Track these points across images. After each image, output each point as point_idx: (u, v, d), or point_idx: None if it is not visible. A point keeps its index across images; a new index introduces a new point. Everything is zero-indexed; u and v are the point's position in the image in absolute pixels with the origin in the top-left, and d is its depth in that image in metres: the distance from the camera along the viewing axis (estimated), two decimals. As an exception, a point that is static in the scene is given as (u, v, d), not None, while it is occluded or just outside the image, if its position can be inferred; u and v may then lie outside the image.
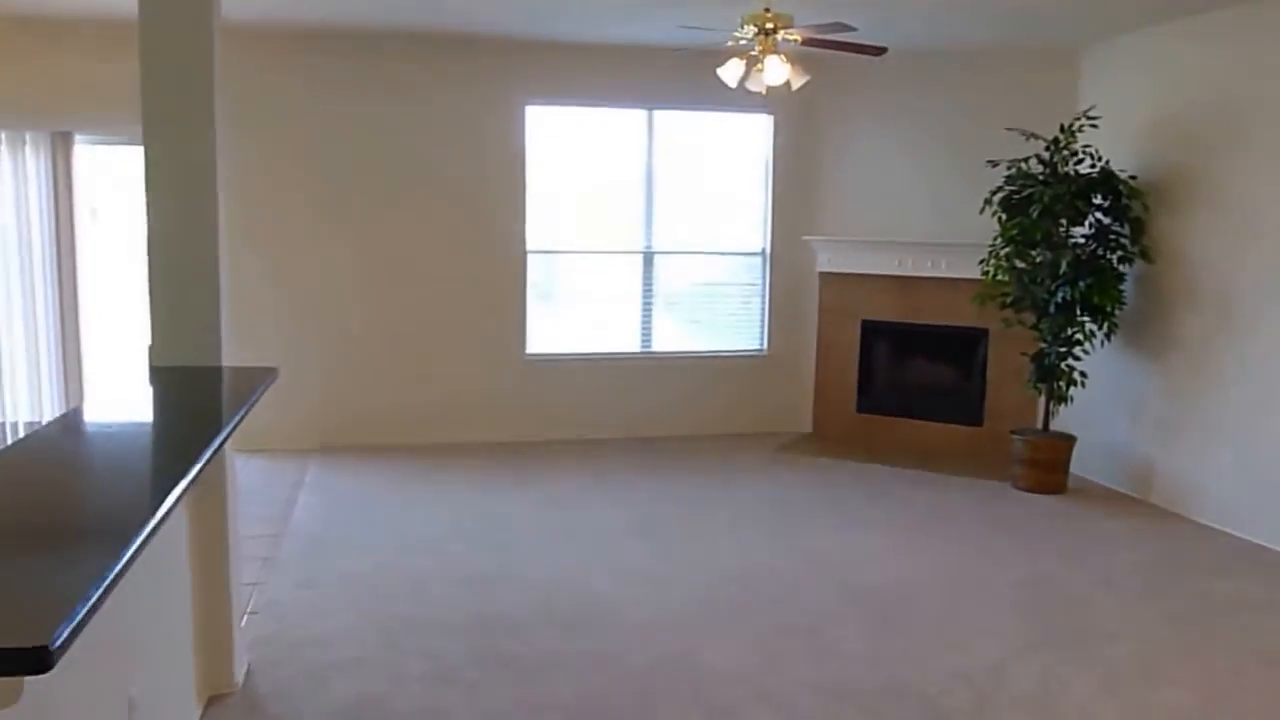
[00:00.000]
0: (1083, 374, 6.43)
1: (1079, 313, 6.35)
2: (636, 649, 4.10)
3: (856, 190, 7.95)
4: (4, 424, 6.92)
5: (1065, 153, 6.35)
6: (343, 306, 7.44)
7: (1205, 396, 5.98)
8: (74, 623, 1.36)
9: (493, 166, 7.58)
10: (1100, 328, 6.35)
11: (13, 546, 1.80)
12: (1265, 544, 5.53)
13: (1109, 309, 6.26)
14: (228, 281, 3.58)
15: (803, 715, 3.57)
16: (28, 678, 1.40)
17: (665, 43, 6.99)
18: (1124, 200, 6.31)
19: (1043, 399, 6.72)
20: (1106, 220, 6.38)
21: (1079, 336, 6.41)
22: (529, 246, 7.75)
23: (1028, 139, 6.43)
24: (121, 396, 3.27)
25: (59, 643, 1.30)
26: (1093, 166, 6.40)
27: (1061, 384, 6.45)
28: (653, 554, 5.29)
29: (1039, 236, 6.34)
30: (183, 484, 2.12)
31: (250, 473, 6.68)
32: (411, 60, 7.32)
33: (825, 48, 5.66)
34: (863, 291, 7.89)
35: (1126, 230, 6.33)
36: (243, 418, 2.84)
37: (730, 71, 5.57)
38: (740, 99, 6.64)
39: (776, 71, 5.44)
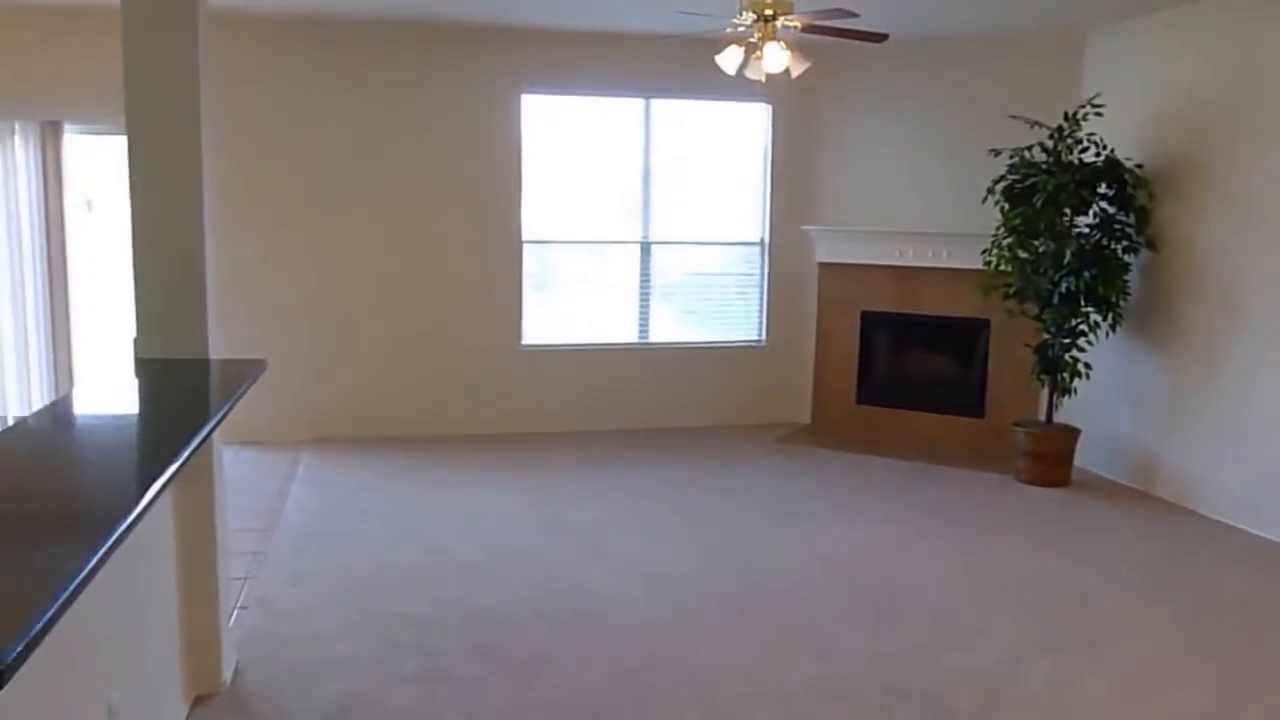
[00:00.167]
0: (1087, 365, 6.35)
1: (1083, 303, 6.26)
2: (632, 647, 4.02)
3: (856, 180, 7.86)
4: (-6, 417, 6.83)
5: (1069, 141, 6.26)
6: (336, 298, 7.34)
7: (1211, 387, 5.90)
8: (29, 638, 1.26)
9: (488, 156, 7.48)
10: (1105, 319, 6.26)
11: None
12: (1274, 538, 5.45)
13: (1114, 300, 6.17)
14: (214, 273, 3.48)
15: (804, 716, 3.49)
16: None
17: (663, 30, 6.88)
18: (1129, 189, 6.22)
19: (1046, 391, 6.63)
20: (1111, 209, 6.29)
21: (1083, 328, 6.32)
22: (525, 236, 7.65)
23: (1031, 127, 6.34)
24: (107, 388, 3.19)
25: (11, 658, 1.20)
26: (1097, 155, 6.30)
27: (1065, 375, 6.36)
28: (649, 548, 5.20)
29: (1042, 226, 6.25)
30: (162, 480, 2.03)
31: (241, 465, 6.59)
32: (404, 48, 7.21)
33: (826, 34, 5.57)
34: (862, 282, 7.80)
35: (1131, 219, 6.24)
36: (228, 410, 2.74)
37: (729, 59, 5.48)
38: (738, 88, 6.55)
39: (776, 59, 5.34)
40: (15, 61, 6.62)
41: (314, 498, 5.98)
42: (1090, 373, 6.37)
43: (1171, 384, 6.20)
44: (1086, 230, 6.31)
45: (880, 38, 5.61)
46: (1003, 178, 6.43)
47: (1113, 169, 6.21)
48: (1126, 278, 6.22)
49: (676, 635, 4.14)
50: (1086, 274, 6.13)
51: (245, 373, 3.16)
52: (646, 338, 8.06)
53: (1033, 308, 6.47)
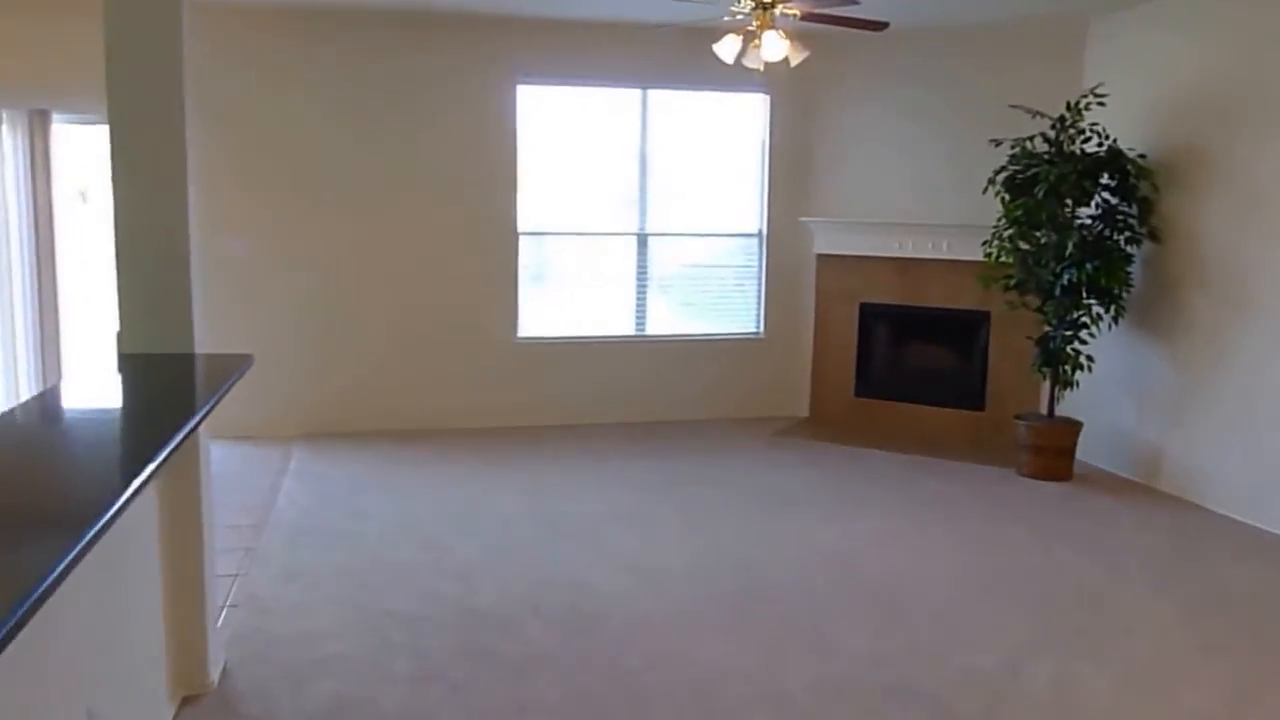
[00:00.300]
0: (1089, 358, 6.27)
1: (1085, 295, 6.18)
2: (630, 645, 3.94)
3: (855, 170, 7.78)
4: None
5: (1071, 131, 6.18)
6: (329, 290, 7.25)
7: (1217, 380, 5.82)
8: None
9: (484, 147, 7.39)
10: (1107, 311, 6.19)
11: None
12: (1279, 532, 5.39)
13: (1116, 291, 6.10)
14: (202, 265, 3.40)
15: (805, 717, 3.41)
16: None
17: (660, 19, 6.78)
18: (1132, 179, 6.14)
19: (1047, 384, 6.55)
20: (1114, 200, 6.21)
21: (1085, 320, 6.25)
22: (521, 228, 7.57)
23: (1033, 117, 6.25)
24: (91, 383, 3.11)
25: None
26: (1100, 145, 6.21)
27: (1067, 368, 6.29)
28: (646, 544, 5.13)
29: (1044, 217, 6.17)
30: (141, 477, 1.96)
31: (232, 460, 6.51)
32: (398, 38, 7.11)
33: (825, 23, 5.50)
34: (861, 274, 7.72)
35: (1134, 210, 6.16)
36: (213, 406, 2.66)
37: (727, 47, 5.40)
38: (736, 78, 6.47)
39: (774, 47, 5.27)
40: (1, 49, 6.51)
41: (307, 493, 5.90)
42: (1092, 365, 6.30)
43: (1175, 376, 6.13)
44: (1089, 221, 6.24)
45: (880, 26, 5.53)
46: (1004, 168, 6.35)
47: (1115, 159, 6.14)
48: (1129, 269, 6.14)
49: (675, 633, 4.07)
50: (1089, 266, 6.06)
51: (232, 367, 3.08)
52: (644, 330, 7.98)
53: (1034, 300, 6.39)
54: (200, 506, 3.37)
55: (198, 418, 2.50)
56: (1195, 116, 5.98)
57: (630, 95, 7.67)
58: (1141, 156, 6.16)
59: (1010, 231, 6.34)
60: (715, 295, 8.18)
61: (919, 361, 7.96)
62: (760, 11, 5.23)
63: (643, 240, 7.85)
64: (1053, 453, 6.34)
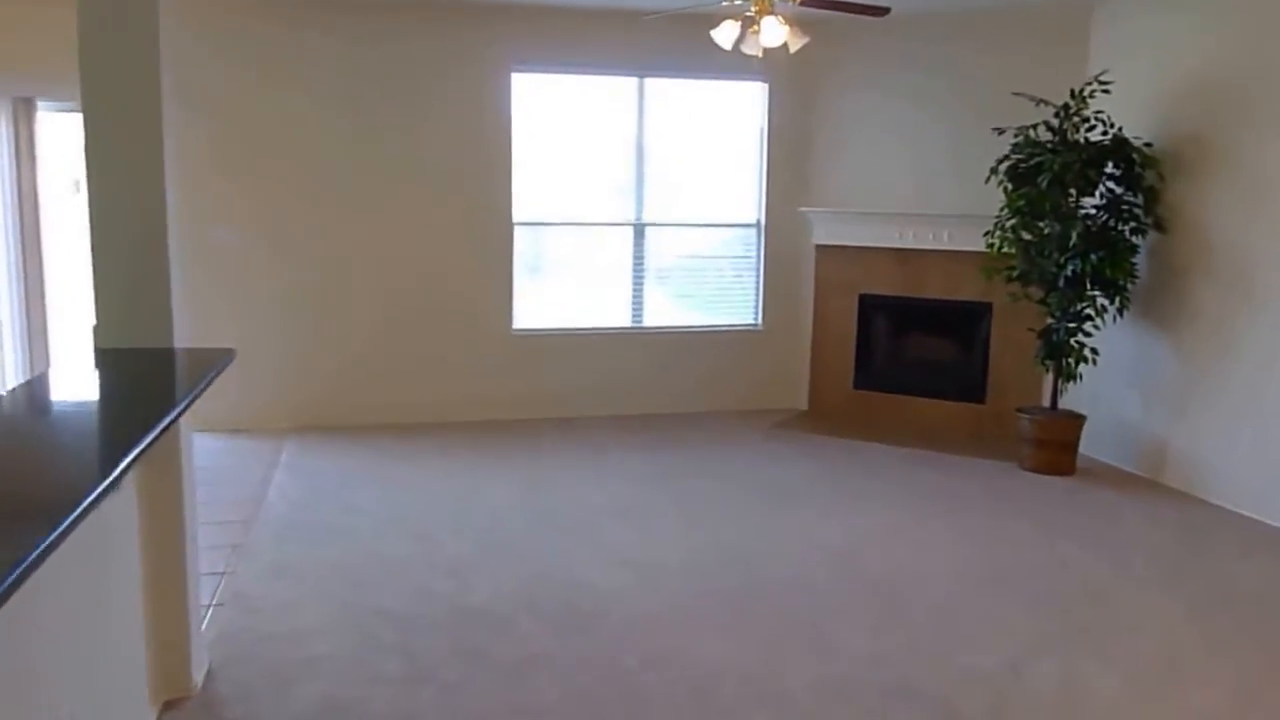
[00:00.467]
0: (1093, 350, 6.17)
1: (1089, 287, 6.08)
2: (628, 644, 3.85)
3: (854, 160, 7.67)
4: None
5: (1076, 119, 6.07)
6: (321, 282, 7.14)
7: (1223, 372, 5.73)
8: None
9: (478, 136, 7.27)
10: (1112, 303, 6.09)
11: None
12: (1284, 527, 5.31)
13: (1121, 283, 6.00)
14: (183, 257, 3.29)
15: (805, 718, 3.32)
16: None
17: (656, 6, 6.67)
18: (1137, 169, 6.03)
19: (1050, 376, 6.45)
20: (1119, 190, 6.10)
21: (1089, 312, 6.15)
22: (516, 218, 7.46)
23: (1036, 104, 6.14)
24: (67, 377, 3.01)
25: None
26: (1105, 133, 6.11)
27: (1071, 361, 6.19)
28: (644, 539, 5.03)
29: (1047, 207, 6.07)
30: (108, 480, 1.86)
31: (224, 454, 6.41)
32: (390, 25, 6.99)
33: (825, 8, 5.39)
34: (861, 264, 7.62)
35: (1140, 200, 6.06)
36: (191, 402, 2.56)
37: (725, 33, 5.29)
38: (734, 66, 6.36)
39: (773, 33, 5.16)
40: (-15, 36, 6.39)
41: (297, 487, 5.79)
42: (1096, 358, 6.20)
43: (1181, 369, 6.03)
44: (1093, 211, 6.13)
45: (881, 11, 5.42)
46: (1006, 157, 6.25)
47: (1120, 148, 6.03)
48: (1134, 260, 6.04)
49: (674, 632, 3.98)
50: (1093, 256, 5.95)
51: (212, 362, 2.97)
52: (640, 322, 7.87)
53: (1037, 291, 6.29)
54: (182, 504, 3.27)
55: (175, 412, 2.40)
56: (1202, 103, 5.88)
57: (627, 83, 7.55)
58: (1147, 145, 6.05)
59: (1013, 222, 6.23)
60: (713, 286, 8.08)
61: (919, 354, 7.87)
62: (759, -4, 5.13)
63: (639, 231, 7.75)
64: (1056, 446, 6.25)
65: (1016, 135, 6.24)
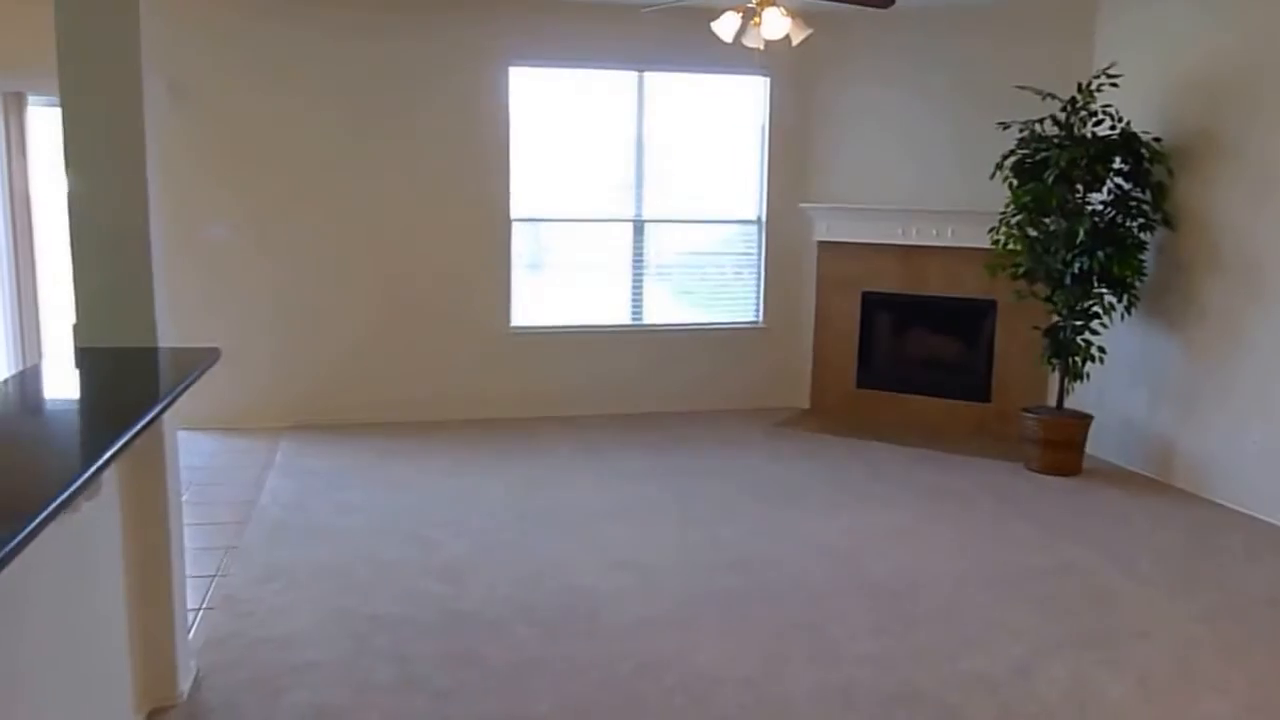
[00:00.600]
0: (1100, 349, 6.08)
1: (1096, 284, 5.99)
2: (625, 649, 3.76)
3: (857, 155, 7.57)
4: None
5: (1083, 113, 5.97)
6: (316, 279, 7.05)
7: (1232, 371, 5.63)
8: None
9: (475, 131, 7.18)
10: (1120, 300, 5.99)
11: None
12: (1294, 529, 5.22)
13: (1129, 280, 5.90)
14: (164, 256, 3.19)
15: (808, 727, 3.24)
16: None
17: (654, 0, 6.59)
18: (1146, 164, 5.93)
19: (1056, 375, 6.36)
20: (1127, 185, 6.00)
21: (1096, 309, 6.06)
22: (514, 214, 7.37)
23: (1043, 99, 6.04)
24: (47, 375, 2.92)
25: None
26: (1112, 128, 6.01)
27: (1077, 360, 6.10)
28: (642, 541, 4.94)
29: (1054, 203, 5.97)
30: (74, 486, 1.77)
31: (218, 453, 6.33)
32: (386, 19, 6.89)
33: (828, 0, 5.30)
34: (863, 261, 7.52)
35: (1148, 196, 5.96)
36: (171, 401, 2.47)
37: (726, 25, 5.20)
38: (735, 60, 6.28)
39: (775, 25, 5.07)
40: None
41: (291, 487, 5.71)
42: (1104, 357, 6.11)
43: (1189, 368, 5.93)
44: (1100, 207, 6.03)
45: (885, 3, 5.32)
46: (1012, 152, 6.15)
47: (1128, 143, 5.93)
48: (1142, 257, 5.94)
49: (672, 636, 3.89)
50: (1100, 253, 5.85)
51: (196, 362, 2.88)
52: (640, 319, 7.78)
53: (1043, 289, 6.19)
54: (166, 506, 3.18)
55: (153, 411, 2.31)
56: (1212, 98, 5.78)
57: (626, 77, 7.45)
58: (1156, 140, 5.95)
59: (1018, 218, 6.13)
60: (713, 283, 7.99)
61: (922, 351, 7.77)
62: (761, -12, 5.04)
63: (639, 227, 7.66)
64: (1062, 446, 6.15)
65: (1022, 130, 6.14)
